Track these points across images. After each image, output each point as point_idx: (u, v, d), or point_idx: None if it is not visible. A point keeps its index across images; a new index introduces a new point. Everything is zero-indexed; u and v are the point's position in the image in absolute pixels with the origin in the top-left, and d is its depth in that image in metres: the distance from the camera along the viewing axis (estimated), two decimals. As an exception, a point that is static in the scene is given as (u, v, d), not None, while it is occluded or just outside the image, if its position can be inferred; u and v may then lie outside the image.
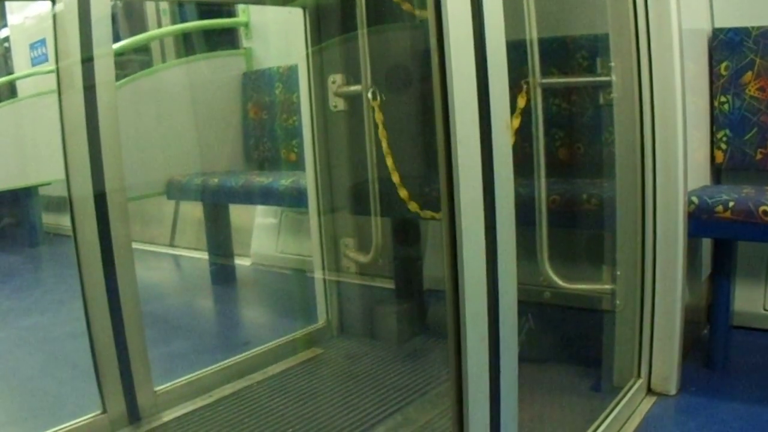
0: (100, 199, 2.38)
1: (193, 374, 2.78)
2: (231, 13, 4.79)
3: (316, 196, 3.31)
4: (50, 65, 5.72)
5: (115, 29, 5.99)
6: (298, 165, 3.98)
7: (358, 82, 3.09)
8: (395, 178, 2.94)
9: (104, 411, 2.46)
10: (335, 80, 3.14)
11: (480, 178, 1.44)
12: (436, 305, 3.25)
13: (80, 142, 2.34)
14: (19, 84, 5.98)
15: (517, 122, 2.56)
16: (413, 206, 2.89)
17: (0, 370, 3.29)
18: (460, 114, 1.39)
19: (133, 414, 2.53)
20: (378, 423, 2.49)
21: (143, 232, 5.40)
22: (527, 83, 2.61)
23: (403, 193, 2.91)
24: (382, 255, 3.18)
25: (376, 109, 2.99)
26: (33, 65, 5.92)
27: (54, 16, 2.29)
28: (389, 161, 2.96)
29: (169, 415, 2.60)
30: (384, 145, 2.98)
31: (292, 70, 4.10)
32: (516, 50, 2.59)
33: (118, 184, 2.42)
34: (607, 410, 2.33)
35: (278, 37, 4.44)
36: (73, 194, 2.36)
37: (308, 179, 3.32)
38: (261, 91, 4.35)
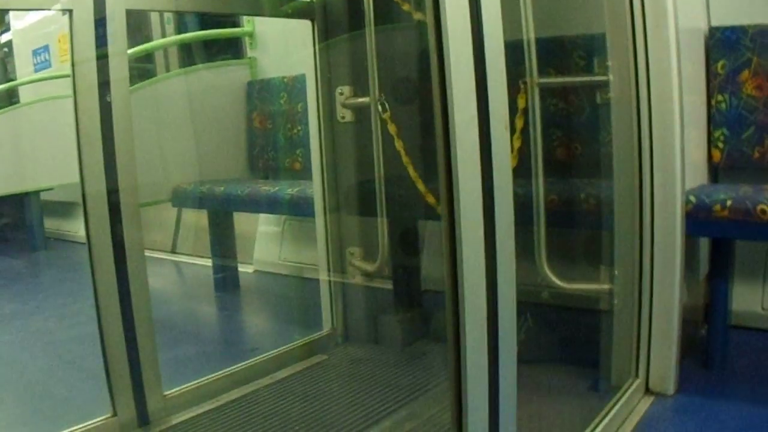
0: (114, 204, 2.41)
1: (202, 379, 2.79)
2: (236, 23, 4.82)
3: (322, 205, 3.32)
4: (53, 71, 5.76)
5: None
6: (302, 174, 3.99)
7: (365, 93, 3.10)
8: (420, 186, 2.96)
9: (114, 414, 2.47)
10: (343, 92, 3.15)
11: (479, 178, 1.45)
12: (441, 309, 3.26)
13: (95, 146, 2.36)
14: (20, 90, 6.01)
15: (521, 123, 2.57)
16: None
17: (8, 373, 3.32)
18: (459, 114, 1.40)
19: (143, 417, 2.54)
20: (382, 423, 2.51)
21: (145, 238, 5.39)
22: (525, 83, 2.62)
23: (431, 199, 2.93)
24: (388, 264, 3.20)
25: (388, 120, 3.01)
26: (35, 71, 5.95)
27: (71, 21, 2.32)
28: (410, 170, 2.98)
29: (177, 419, 2.60)
30: (403, 155, 2.99)
31: (297, 80, 4.12)
32: (514, 50, 2.60)
33: (132, 189, 2.44)
34: (605, 410, 2.33)
35: (282, 47, 4.46)
36: (88, 198, 2.38)
37: (315, 188, 3.33)
38: (265, 101, 4.36)
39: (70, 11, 2.33)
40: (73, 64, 2.35)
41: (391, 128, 3.01)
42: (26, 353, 3.57)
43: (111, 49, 2.36)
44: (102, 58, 2.35)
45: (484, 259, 1.48)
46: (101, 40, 2.35)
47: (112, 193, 2.40)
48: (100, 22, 2.35)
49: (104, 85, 2.36)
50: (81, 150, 2.37)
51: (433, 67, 1.41)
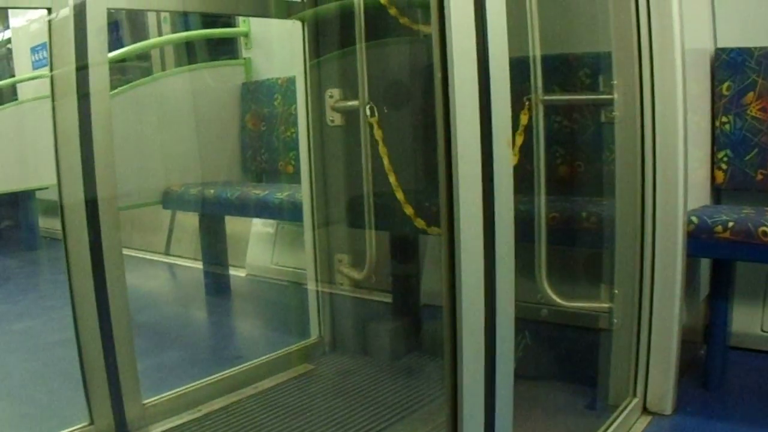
0: (92, 207, 2.36)
1: (183, 388, 2.75)
2: (231, 24, 4.80)
3: (311, 211, 3.29)
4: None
5: (116, 36, 6.01)
6: (296, 177, 3.97)
7: (355, 97, 3.08)
8: (399, 195, 2.93)
9: (91, 422, 2.43)
10: (332, 95, 3.13)
11: (480, 193, 1.44)
12: (430, 322, 3.24)
13: (73, 149, 2.32)
14: (19, 87, 5.98)
15: (520, 140, 2.56)
16: (420, 223, 2.87)
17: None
18: (461, 129, 1.39)
19: (121, 427, 2.50)
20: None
21: (140, 240, 5.38)
22: (529, 100, 2.60)
23: (408, 210, 2.90)
24: (376, 272, 3.16)
25: (375, 125, 2.98)
26: (34, 68, 5.92)
27: (50, 24, 2.29)
28: (392, 178, 2.95)
29: (157, 429, 2.57)
30: (386, 162, 2.96)
31: (291, 82, 4.10)
32: (519, 67, 2.58)
33: (110, 193, 2.40)
34: (602, 429, 2.32)
35: (278, 49, 4.45)
36: (65, 201, 2.34)
37: (304, 193, 3.30)
38: (259, 102, 4.35)
39: (49, 9, 2.31)
40: (51, 62, 2.31)
41: (378, 133, 2.98)
42: (10, 356, 3.53)
43: (91, 48, 2.32)
44: (82, 57, 2.31)
45: (483, 274, 1.48)
46: (81, 38, 2.31)
47: (90, 195, 2.35)
48: (80, 21, 2.31)
49: (83, 83, 2.32)
50: (59, 151, 2.33)
51: (436, 82, 1.40)
